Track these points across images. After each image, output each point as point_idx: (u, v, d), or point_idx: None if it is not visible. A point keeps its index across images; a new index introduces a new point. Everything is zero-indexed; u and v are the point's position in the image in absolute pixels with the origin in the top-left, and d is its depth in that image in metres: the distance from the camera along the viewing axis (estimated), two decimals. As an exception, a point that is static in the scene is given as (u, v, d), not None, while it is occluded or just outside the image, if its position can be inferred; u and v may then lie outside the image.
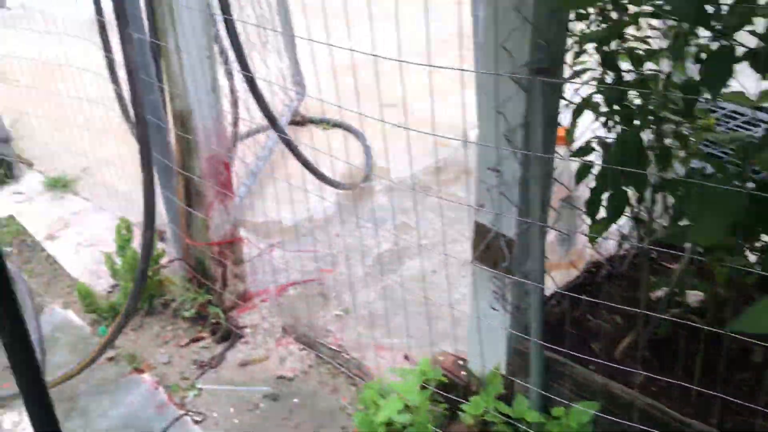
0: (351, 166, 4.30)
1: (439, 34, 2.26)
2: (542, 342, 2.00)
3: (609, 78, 1.90)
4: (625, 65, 1.88)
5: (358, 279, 3.41)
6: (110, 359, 2.99)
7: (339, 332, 3.05)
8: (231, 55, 3.35)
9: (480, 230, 2.09)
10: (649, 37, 1.90)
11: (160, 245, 3.43)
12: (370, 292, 3.27)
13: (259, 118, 4.32)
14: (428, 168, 4.30)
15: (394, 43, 2.18)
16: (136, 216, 4.00)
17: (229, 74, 3.84)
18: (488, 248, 2.07)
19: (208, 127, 2.89)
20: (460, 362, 2.49)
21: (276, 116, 3.47)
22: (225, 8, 2.84)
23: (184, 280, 3.27)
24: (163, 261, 3.29)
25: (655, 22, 1.89)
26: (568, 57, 1.90)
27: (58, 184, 4.38)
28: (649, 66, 1.88)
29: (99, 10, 3.44)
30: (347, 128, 4.79)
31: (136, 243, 3.32)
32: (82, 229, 3.97)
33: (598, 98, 1.93)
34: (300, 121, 4.98)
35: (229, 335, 3.08)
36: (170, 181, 3.13)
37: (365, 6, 2.18)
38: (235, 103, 4.04)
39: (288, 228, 3.80)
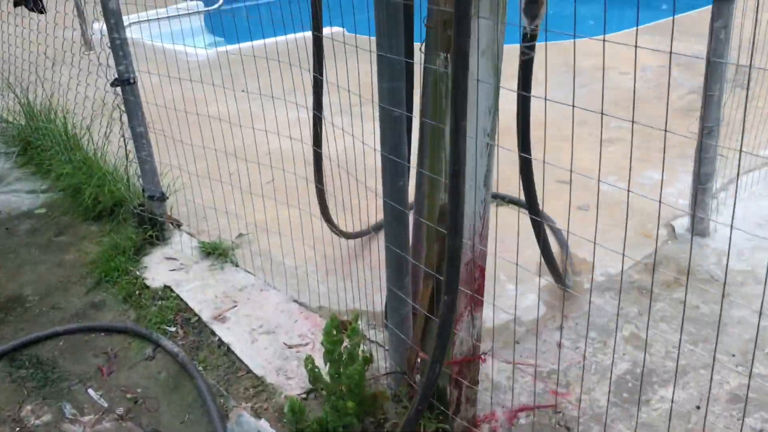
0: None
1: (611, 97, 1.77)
2: None
3: None
4: None
5: (601, 408, 2.84)
6: (328, 498, 2.47)
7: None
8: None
9: None
10: None
11: (364, 346, 2.92)
12: (624, 428, 2.71)
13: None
14: (638, 265, 3.75)
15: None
16: (311, 300, 3.53)
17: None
18: None
19: (476, 227, 2.40)
20: None
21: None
22: (526, 82, 2.37)
23: (399, 396, 2.74)
24: (377, 372, 2.78)
25: None
26: None
27: (215, 252, 3.92)
28: None
29: (318, 50, 3.04)
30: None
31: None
32: (253, 310, 3.49)
33: None
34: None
35: (466, 476, 2.54)
36: (402, 278, 2.63)
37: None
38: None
39: (492, 329, 3.26)
